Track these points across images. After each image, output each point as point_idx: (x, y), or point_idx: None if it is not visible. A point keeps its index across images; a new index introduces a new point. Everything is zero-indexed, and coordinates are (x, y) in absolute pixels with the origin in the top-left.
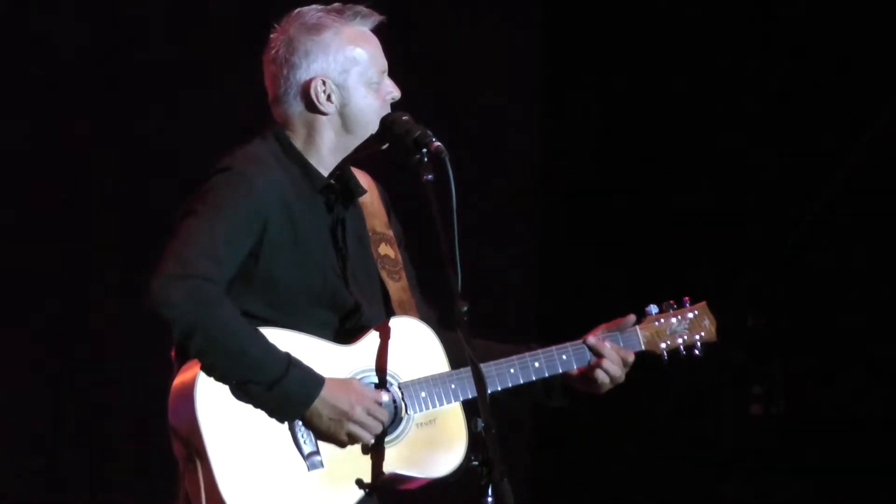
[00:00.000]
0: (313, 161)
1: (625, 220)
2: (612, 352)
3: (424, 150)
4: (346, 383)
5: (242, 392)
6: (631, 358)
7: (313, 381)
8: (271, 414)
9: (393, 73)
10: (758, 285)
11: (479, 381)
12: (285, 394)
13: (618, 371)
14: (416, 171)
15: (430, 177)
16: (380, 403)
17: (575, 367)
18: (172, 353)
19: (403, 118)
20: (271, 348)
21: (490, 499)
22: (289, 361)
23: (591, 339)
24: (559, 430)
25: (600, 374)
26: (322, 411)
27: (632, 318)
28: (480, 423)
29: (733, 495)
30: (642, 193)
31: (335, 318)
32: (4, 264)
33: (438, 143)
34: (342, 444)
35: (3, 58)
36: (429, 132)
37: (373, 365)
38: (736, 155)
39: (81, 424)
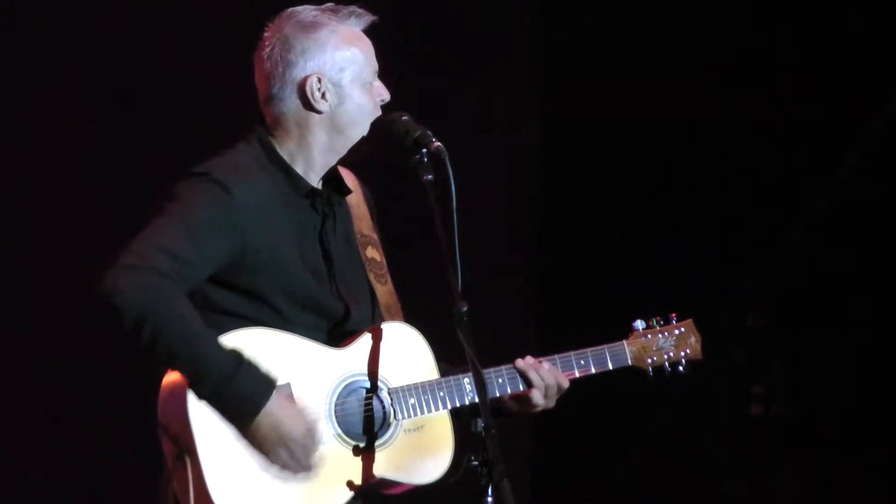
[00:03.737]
0: (301, 164)
1: (625, 220)
2: (542, 380)
3: (424, 150)
4: (293, 400)
5: (194, 390)
6: (565, 385)
7: (264, 383)
8: (224, 414)
9: (392, 72)
10: (758, 285)
11: (480, 381)
12: (235, 394)
13: (545, 401)
14: (415, 172)
15: (429, 177)
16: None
17: (509, 391)
18: None
19: (403, 118)
20: (220, 347)
21: (490, 499)
22: (239, 362)
23: (520, 363)
24: (559, 430)
25: (535, 396)
26: (263, 420)
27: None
28: (480, 424)
29: (733, 495)
30: (643, 193)
31: (323, 321)
32: (6, 264)
33: (438, 143)
34: (273, 458)
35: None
36: (428, 132)
37: (364, 369)
38: (737, 155)
39: (82, 424)
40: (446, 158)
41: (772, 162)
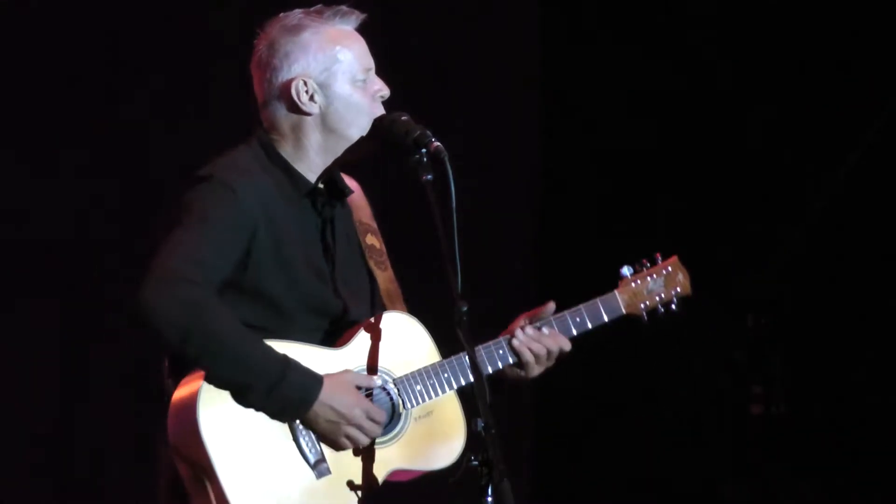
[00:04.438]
0: (300, 164)
1: (625, 220)
2: (544, 347)
3: (424, 150)
4: (343, 382)
5: (241, 397)
6: (567, 348)
7: (312, 381)
8: (273, 416)
9: (392, 73)
10: (758, 285)
11: (479, 380)
12: (285, 397)
13: (539, 367)
14: (415, 172)
15: (429, 177)
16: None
17: (511, 361)
18: (166, 363)
19: (402, 118)
20: (267, 350)
21: (490, 499)
22: (286, 364)
23: (516, 341)
24: (560, 429)
25: (532, 369)
26: (320, 413)
27: (551, 306)
28: (480, 423)
29: (733, 495)
30: (643, 193)
31: (324, 322)
32: (8, 264)
33: (438, 143)
34: (340, 447)
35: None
36: (428, 132)
37: (364, 365)
38: (737, 152)
39: (83, 424)
40: (446, 158)
41: (772, 161)
